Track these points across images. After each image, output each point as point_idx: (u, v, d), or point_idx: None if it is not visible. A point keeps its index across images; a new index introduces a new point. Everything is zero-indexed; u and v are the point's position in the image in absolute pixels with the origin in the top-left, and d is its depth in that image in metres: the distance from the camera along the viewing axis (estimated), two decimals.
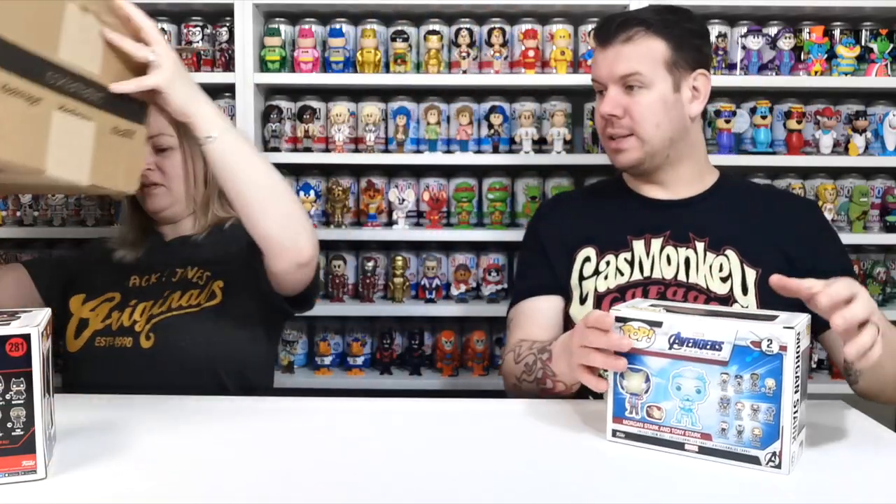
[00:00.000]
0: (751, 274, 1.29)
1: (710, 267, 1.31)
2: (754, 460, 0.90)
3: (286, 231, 1.22)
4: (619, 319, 0.96)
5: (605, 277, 1.35)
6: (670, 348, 0.92)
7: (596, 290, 1.35)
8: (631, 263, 1.34)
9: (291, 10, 2.14)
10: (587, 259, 1.38)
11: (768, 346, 0.87)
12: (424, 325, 2.18)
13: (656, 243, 1.34)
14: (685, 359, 0.92)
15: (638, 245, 1.35)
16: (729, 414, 0.90)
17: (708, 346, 0.90)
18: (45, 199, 2.11)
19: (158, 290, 1.41)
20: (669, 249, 1.33)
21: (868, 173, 2.16)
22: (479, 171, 2.18)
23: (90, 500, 0.84)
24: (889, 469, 0.95)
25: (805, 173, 2.16)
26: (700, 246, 1.32)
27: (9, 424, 0.84)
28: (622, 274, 1.34)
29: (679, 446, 0.94)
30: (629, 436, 0.97)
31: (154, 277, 1.43)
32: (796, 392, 0.88)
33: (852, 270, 1.39)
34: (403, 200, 2.08)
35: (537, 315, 1.40)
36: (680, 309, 0.97)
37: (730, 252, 1.31)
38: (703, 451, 0.92)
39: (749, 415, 0.89)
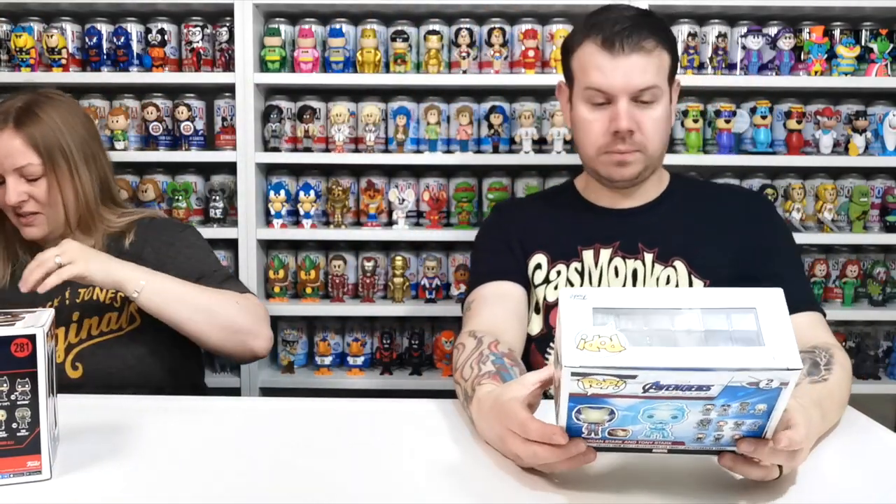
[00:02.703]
0: (698, 286, 1.27)
1: (658, 280, 1.29)
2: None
3: (231, 342, 1.36)
4: (575, 375, 0.72)
5: (556, 288, 1.32)
6: (644, 392, 0.73)
7: (545, 299, 1.33)
8: (581, 274, 1.32)
9: (291, 10, 2.14)
10: (538, 266, 1.34)
11: (767, 384, 0.72)
12: (424, 325, 2.18)
13: (605, 254, 1.32)
14: (662, 398, 0.74)
15: (587, 255, 1.33)
16: (708, 429, 0.78)
17: (693, 389, 0.73)
18: None
19: (65, 314, 1.39)
20: (618, 261, 1.31)
21: (868, 173, 2.16)
22: (479, 171, 2.18)
23: (95, 500, 0.84)
24: (889, 469, 0.95)
25: (805, 173, 2.16)
26: (649, 257, 1.30)
27: (14, 425, 0.84)
28: (571, 285, 1.32)
29: (646, 451, 0.83)
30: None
31: (55, 301, 1.40)
32: None
33: (802, 273, 1.38)
34: (403, 200, 2.08)
35: (505, 299, 1.29)
36: (651, 336, 0.74)
37: (678, 263, 1.29)
38: (672, 452, 0.83)
39: (731, 427, 0.78)
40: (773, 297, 0.76)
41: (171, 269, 1.38)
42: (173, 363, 1.44)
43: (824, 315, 1.29)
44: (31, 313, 0.92)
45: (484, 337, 1.16)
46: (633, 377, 0.71)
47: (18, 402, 0.84)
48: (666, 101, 1.27)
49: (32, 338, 0.84)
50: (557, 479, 0.88)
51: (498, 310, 1.27)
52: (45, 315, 0.91)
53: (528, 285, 1.34)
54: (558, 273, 1.33)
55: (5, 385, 0.84)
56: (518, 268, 1.34)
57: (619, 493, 0.86)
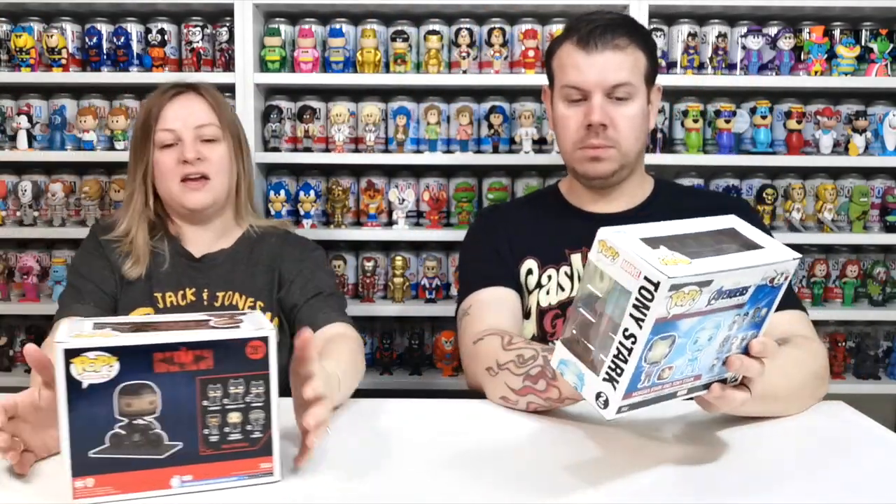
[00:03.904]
0: None
1: None
2: (722, 381, 0.90)
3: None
4: (673, 288, 0.75)
5: (548, 293, 1.33)
6: (707, 305, 0.79)
7: (538, 304, 1.33)
8: (571, 278, 1.33)
9: (291, 10, 2.14)
10: (529, 272, 1.35)
11: (777, 278, 0.85)
12: (424, 325, 2.18)
13: None
14: (714, 311, 0.81)
15: (575, 258, 1.33)
16: (723, 350, 0.86)
17: (737, 294, 0.82)
18: (45, 198, 2.11)
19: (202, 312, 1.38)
20: None
21: (868, 173, 2.16)
22: (479, 171, 2.18)
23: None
24: (889, 469, 0.95)
25: (805, 173, 2.16)
26: None
27: (248, 427, 0.84)
28: (563, 289, 1.33)
29: (672, 396, 0.87)
30: (633, 406, 0.84)
31: (190, 294, 1.41)
32: None
33: None
34: (403, 200, 2.08)
35: (504, 304, 1.30)
36: (688, 255, 0.79)
37: None
38: (690, 391, 0.88)
39: (737, 346, 0.88)
40: (733, 219, 0.91)
41: (297, 281, 1.43)
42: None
43: (807, 313, 1.30)
44: (245, 314, 0.90)
45: (505, 334, 1.19)
46: (709, 283, 0.77)
47: (253, 405, 0.84)
48: (642, 102, 1.30)
49: (265, 339, 0.83)
50: (559, 477, 0.88)
51: (503, 312, 1.29)
52: (263, 317, 0.89)
53: (521, 289, 1.36)
54: (549, 278, 1.34)
55: (241, 387, 0.83)
56: (509, 272, 1.35)
57: (618, 493, 0.86)
